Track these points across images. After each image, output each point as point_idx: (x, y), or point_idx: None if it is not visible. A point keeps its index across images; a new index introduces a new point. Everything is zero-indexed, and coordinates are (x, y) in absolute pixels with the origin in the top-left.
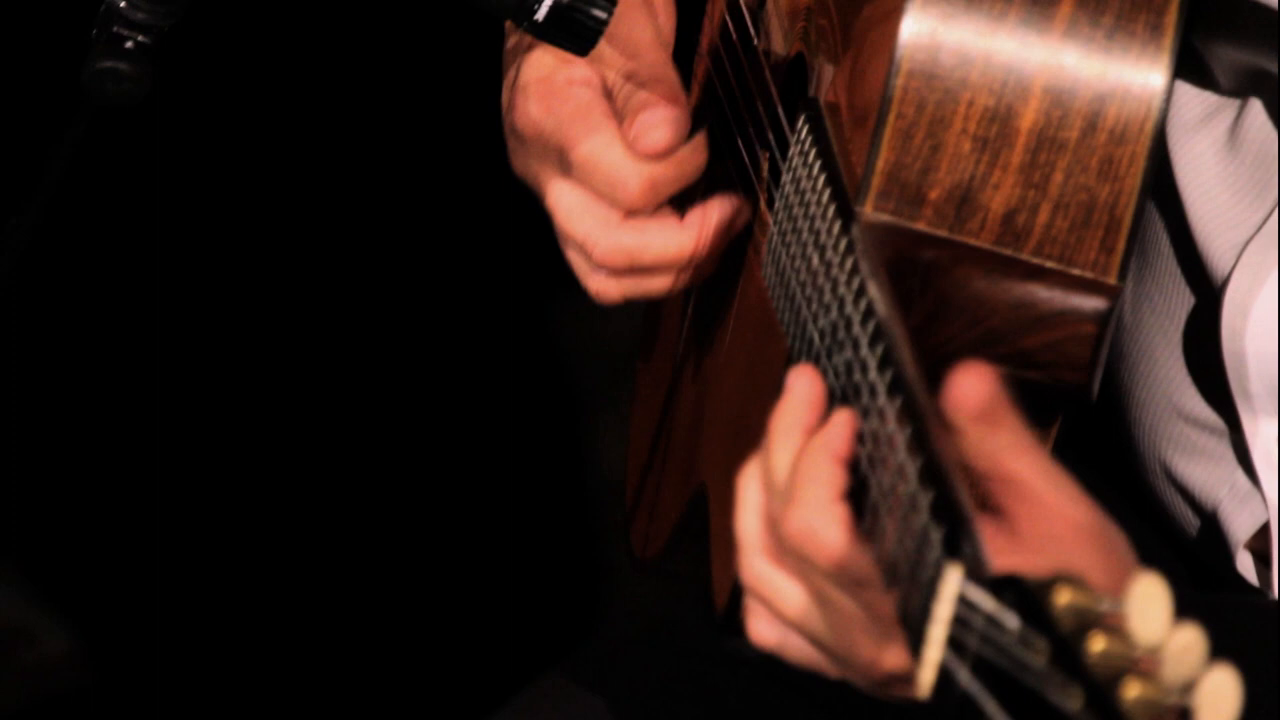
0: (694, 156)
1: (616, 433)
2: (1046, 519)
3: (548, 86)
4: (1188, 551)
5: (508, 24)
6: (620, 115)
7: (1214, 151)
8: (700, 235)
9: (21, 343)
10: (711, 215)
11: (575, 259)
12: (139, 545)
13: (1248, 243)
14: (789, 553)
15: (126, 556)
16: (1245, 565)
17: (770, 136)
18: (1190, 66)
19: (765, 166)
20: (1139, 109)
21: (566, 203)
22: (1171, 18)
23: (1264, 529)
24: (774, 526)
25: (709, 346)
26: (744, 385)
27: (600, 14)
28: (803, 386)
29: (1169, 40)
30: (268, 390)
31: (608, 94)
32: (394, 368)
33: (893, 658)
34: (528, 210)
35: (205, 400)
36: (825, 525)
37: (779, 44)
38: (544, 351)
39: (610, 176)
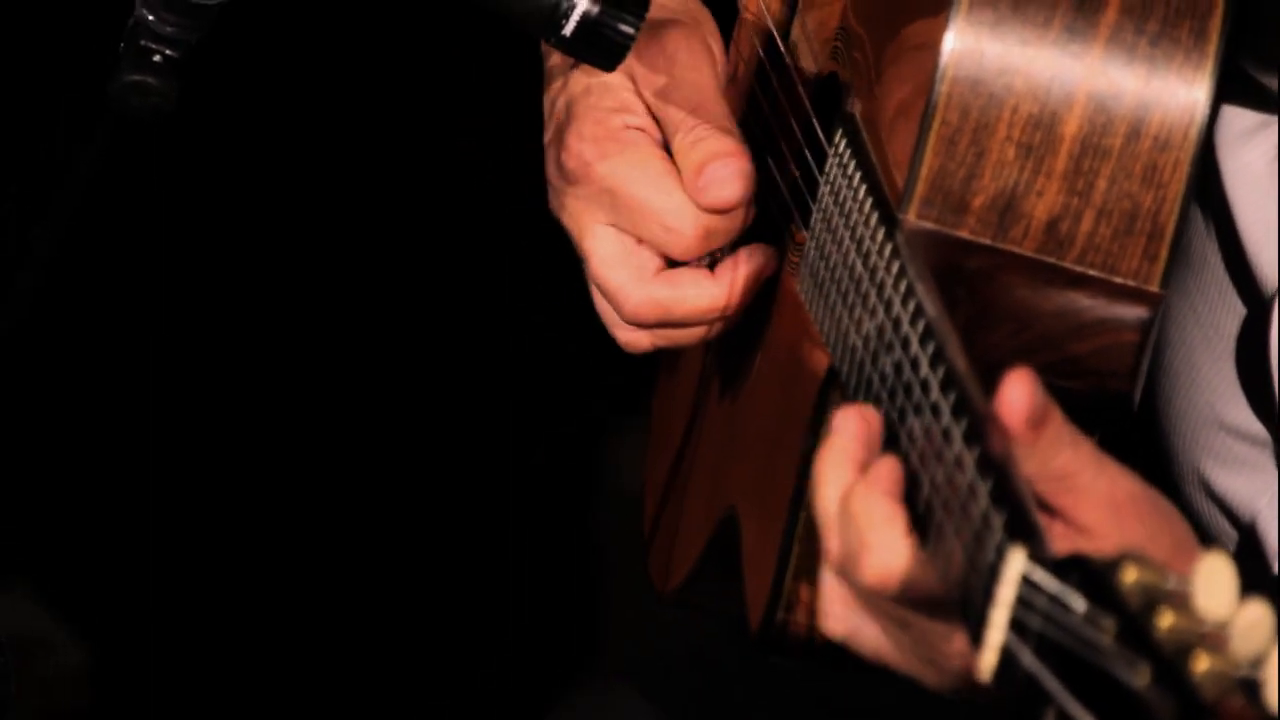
0: (748, 211)
1: (632, 448)
2: (1101, 506)
3: (604, 130)
4: None
5: (548, 53)
6: (681, 165)
7: (1264, 163)
8: (732, 288)
9: (45, 352)
10: (742, 267)
11: (605, 309)
12: (147, 552)
13: None
14: (868, 597)
15: (134, 563)
16: None
17: (807, 153)
18: (1241, 85)
19: (800, 184)
20: (1183, 115)
21: (604, 250)
22: (1216, 23)
23: None
24: (844, 573)
25: (736, 369)
26: (778, 404)
27: (628, 29)
28: (853, 421)
29: (1213, 47)
30: (282, 402)
31: (664, 143)
32: (406, 378)
33: (965, 652)
34: (544, 224)
35: (221, 410)
36: (900, 563)
37: (810, 64)
38: (558, 365)
39: (666, 222)
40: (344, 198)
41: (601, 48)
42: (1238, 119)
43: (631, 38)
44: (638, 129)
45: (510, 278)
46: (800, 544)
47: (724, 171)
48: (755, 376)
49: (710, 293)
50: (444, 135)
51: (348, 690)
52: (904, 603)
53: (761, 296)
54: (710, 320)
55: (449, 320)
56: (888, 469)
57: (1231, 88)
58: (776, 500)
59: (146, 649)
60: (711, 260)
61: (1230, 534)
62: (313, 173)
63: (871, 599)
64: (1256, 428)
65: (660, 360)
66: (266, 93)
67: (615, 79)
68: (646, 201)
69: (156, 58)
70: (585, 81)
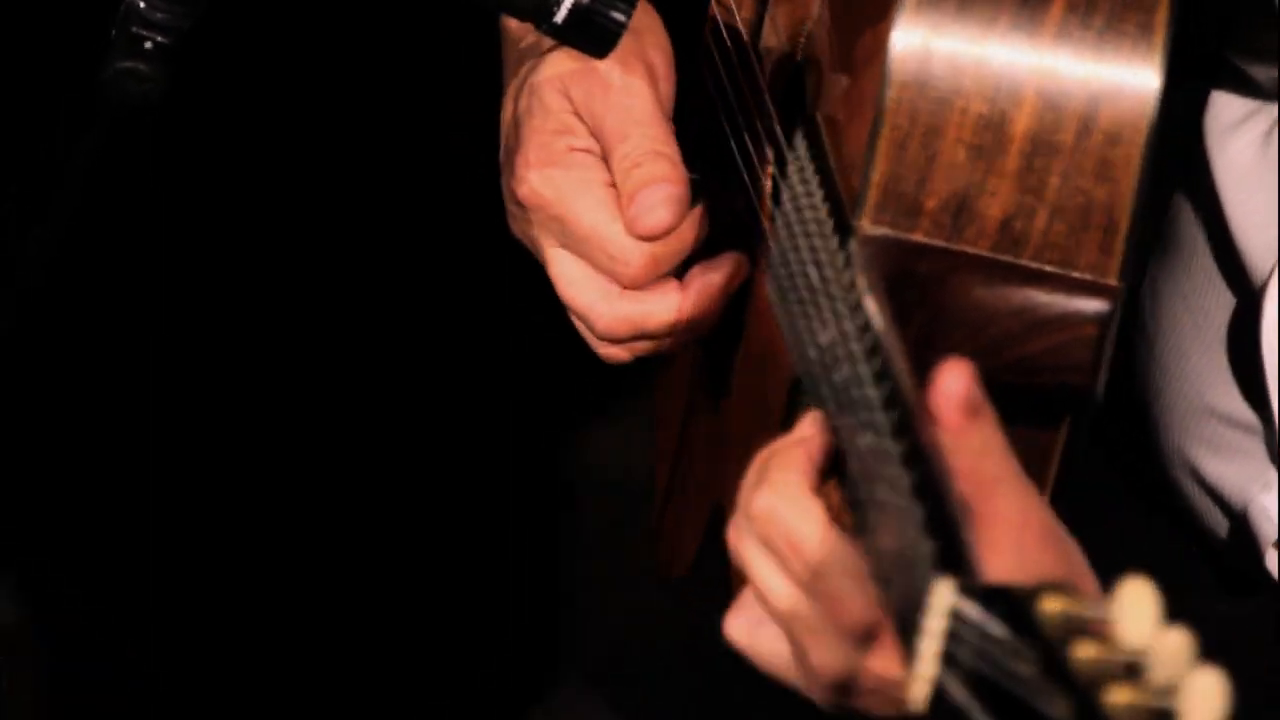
0: (693, 230)
1: (638, 438)
2: (1011, 523)
3: (548, 154)
4: (1215, 552)
5: (506, 67)
6: (619, 189)
7: (1252, 151)
8: (700, 299)
9: (42, 349)
10: (711, 277)
11: (580, 326)
12: (144, 550)
13: None
14: (754, 535)
15: (130, 560)
16: (1274, 564)
17: (772, 156)
18: (1230, 74)
19: (769, 186)
20: (1133, 109)
21: (568, 273)
22: (1162, 16)
23: None
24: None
25: (722, 367)
26: (754, 404)
27: (619, 16)
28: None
29: (1160, 38)
30: (282, 396)
31: (606, 163)
32: (405, 375)
33: (880, 664)
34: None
35: (220, 405)
36: (793, 514)
37: (778, 63)
38: (559, 359)
39: (611, 253)
40: (341, 189)
41: (593, 35)
42: (1226, 109)
43: (623, 25)
44: (583, 150)
45: (510, 275)
46: None
47: (653, 199)
48: (737, 375)
49: (678, 305)
50: (443, 126)
51: (347, 688)
52: (809, 566)
53: (740, 298)
54: (681, 331)
55: (449, 316)
56: (814, 437)
57: (1220, 78)
58: None
59: (141, 648)
60: (681, 271)
61: (1222, 522)
62: (308, 163)
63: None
64: (1247, 415)
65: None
66: (260, 80)
67: (555, 101)
68: (592, 230)
69: (147, 44)
70: (528, 101)
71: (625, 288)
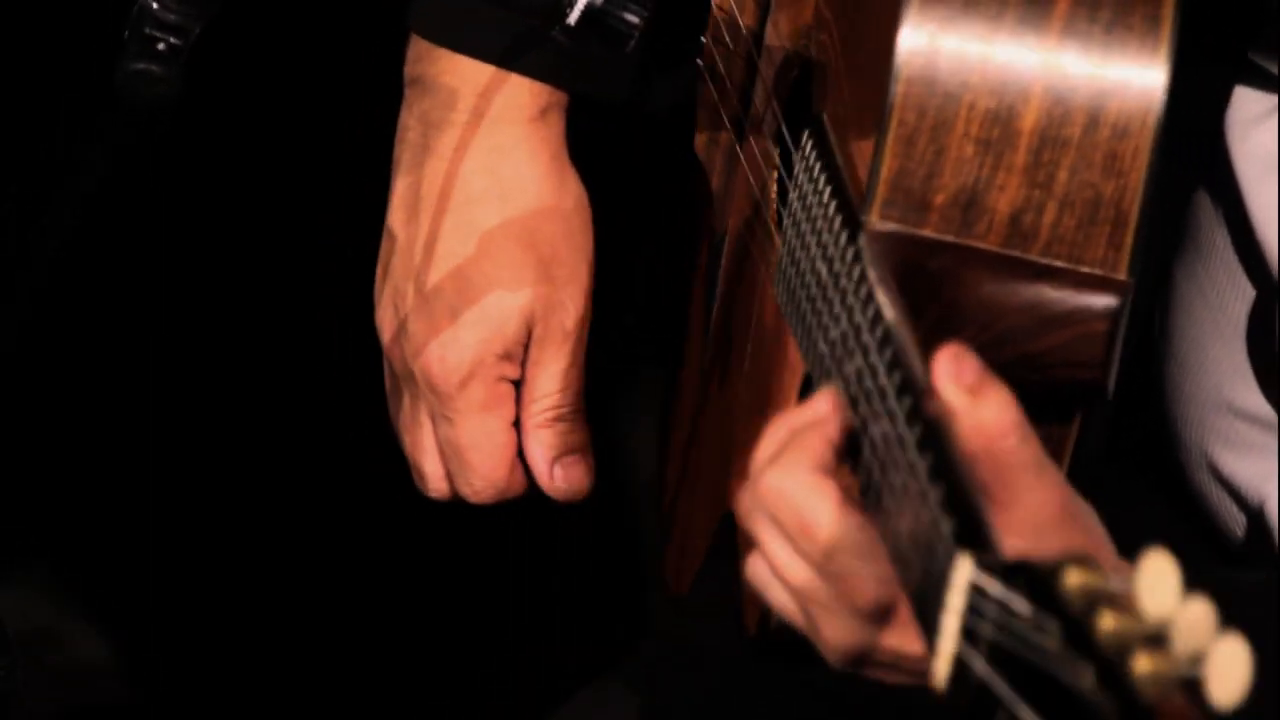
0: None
1: (646, 446)
2: (1029, 505)
3: (480, 368)
4: (1232, 548)
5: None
6: (529, 425)
7: (1274, 144)
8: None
9: (51, 347)
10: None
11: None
12: (150, 549)
13: None
14: (764, 511)
15: (139, 558)
16: None
17: (777, 158)
18: (1252, 71)
19: (774, 188)
20: (1140, 102)
21: (423, 441)
22: (1169, 9)
23: None
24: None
25: (731, 373)
26: (764, 407)
27: (633, 19)
28: (816, 400)
29: (1167, 31)
30: (291, 396)
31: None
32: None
33: (895, 640)
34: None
35: (229, 406)
36: (806, 496)
37: (781, 65)
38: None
39: (474, 474)
40: (349, 190)
41: (606, 37)
42: (1248, 103)
43: (637, 26)
44: (510, 382)
45: None
46: None
47: (580, 467)
48: (745, 379)
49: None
50: None
51: (358, 688)
52: (820, 548)
53: (747, 304)
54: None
55: None
56: (821, 401)
57: (1242, 72)
58: None
59: (153, 645)
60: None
61: (1239, 518)
62: (319, 163)
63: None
64: (1266, 411)
65: (670, 361)
66: (273, 80)
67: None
68: (473, 449)
69: (161, 46)
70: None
71: (465, 497)
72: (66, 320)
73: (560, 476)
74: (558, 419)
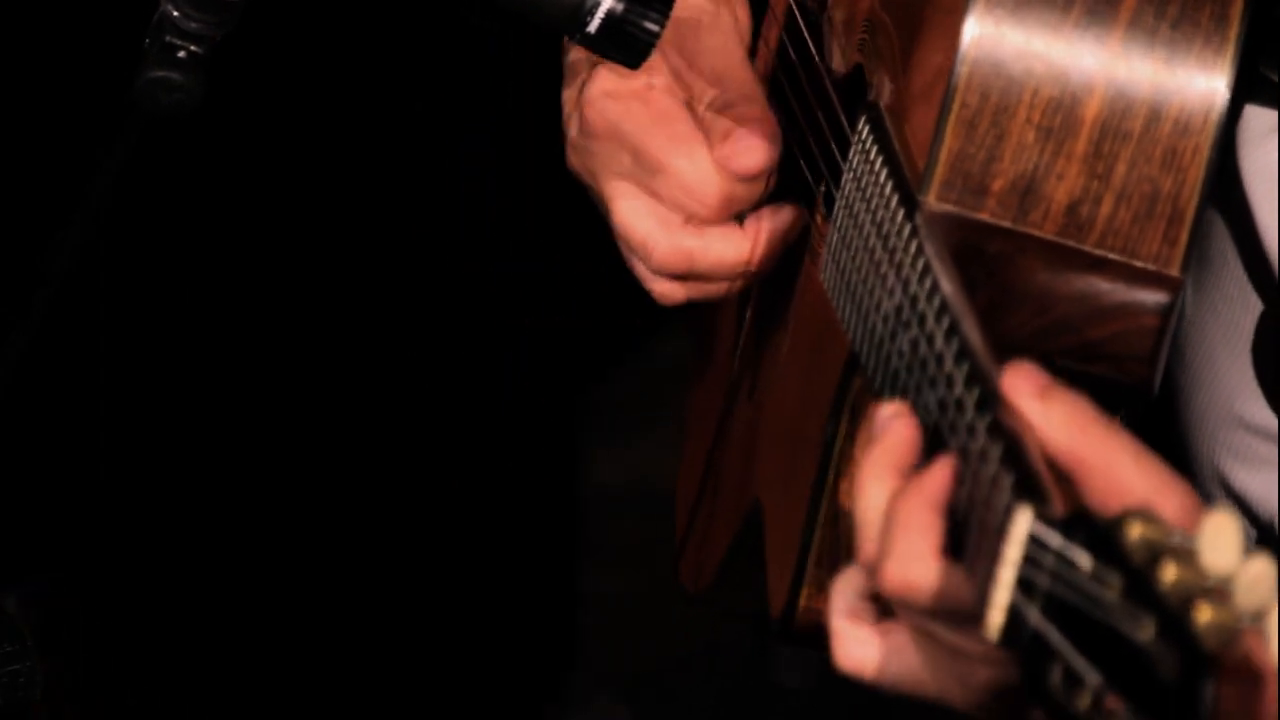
0: (769, 182)
1: (659, 451)
2: (1119, 492)
3: (625, 87)
4: None
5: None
6: (707, 130)
7: None
8: (757, 242)
9: (63, 350)
10: (767, 223)
11: (634, 263)
12: (153, 554)
13: None
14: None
15: (139, 564)
16: None
17: (832, 145)
18: (1262, 85)
19: (824, 175)
20: (1202, 101)
21: (629, 204)
22: (1237, 7)
23: None
24: (870, 574)
25: (763, 368)
26: (801, 395)
27: (653, 26)
28: (898, 428)
29: (1234, 31)
30: (299, 397)
31: (690, 107)
32: (421, 380)
33: (993, 673)
34: (567, 226)
35: (238, 407)
36: (923, 575)
37: (837, 57)
38: (584, 369)
39: (688, 184)
40: (368, 193)
41: (626, 44)
42: (1258, 118)
43: (656, 34)
44: (665, 90)
45: (532, 282)
46: (822, 530)
47: (750, 140)
48: (780, 371)
49: (736, 245)
50: (461, 134)
51: (359, 689)
52: (929, 613)
53: (787, 296)
54: (735, 273)
55: (474, 326)
56: (937, 479)
57: (1252, 88)
58: (799, 487)
59: (155, 649)
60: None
61: (1249, 532)
62: (337, 169)
63: (898, 610)
64: (1274, 425)
65: (690, 363)
66: (293, 88)
67: None
68: (668, 162)
69: (181, 54)
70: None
71: (694, 222)
72: (74, 322)
73: (728, 150)
74: (723, 107)
